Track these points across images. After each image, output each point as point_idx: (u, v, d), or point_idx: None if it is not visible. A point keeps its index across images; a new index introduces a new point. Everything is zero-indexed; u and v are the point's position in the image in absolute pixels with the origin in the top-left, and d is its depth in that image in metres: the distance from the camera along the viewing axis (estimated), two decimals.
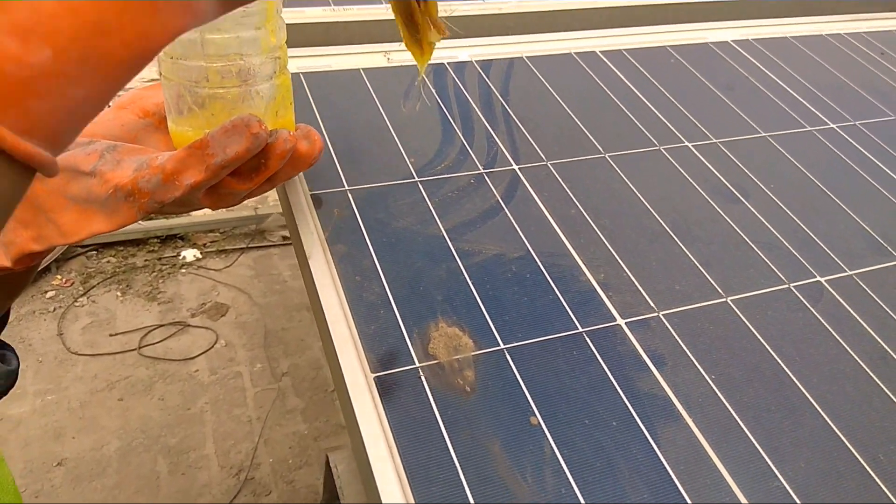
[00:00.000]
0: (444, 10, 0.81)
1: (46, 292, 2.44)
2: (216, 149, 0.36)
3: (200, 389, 2.03)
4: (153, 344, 2.12)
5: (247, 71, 0.38)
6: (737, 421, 0.47)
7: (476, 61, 0.79)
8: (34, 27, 0.17)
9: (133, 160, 0.38)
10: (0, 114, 0.17)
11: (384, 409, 0.44)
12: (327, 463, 0.54)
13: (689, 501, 0.42)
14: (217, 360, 2.11)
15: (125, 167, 0.38)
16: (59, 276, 2.50)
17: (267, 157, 0.39)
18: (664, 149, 0.70)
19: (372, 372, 0.46)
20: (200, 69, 0.36)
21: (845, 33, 0.98)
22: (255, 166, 0.39)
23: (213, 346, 2.13)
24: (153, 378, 2.02)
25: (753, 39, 0.92)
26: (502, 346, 0.49)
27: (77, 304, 2.40)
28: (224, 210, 2.85)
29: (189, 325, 2.19)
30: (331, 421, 1.96)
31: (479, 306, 0.52)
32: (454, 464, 0.42)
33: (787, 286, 0.58)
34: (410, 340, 0.48)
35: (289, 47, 0.73)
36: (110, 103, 0.33)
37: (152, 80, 0.42)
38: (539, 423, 0.45)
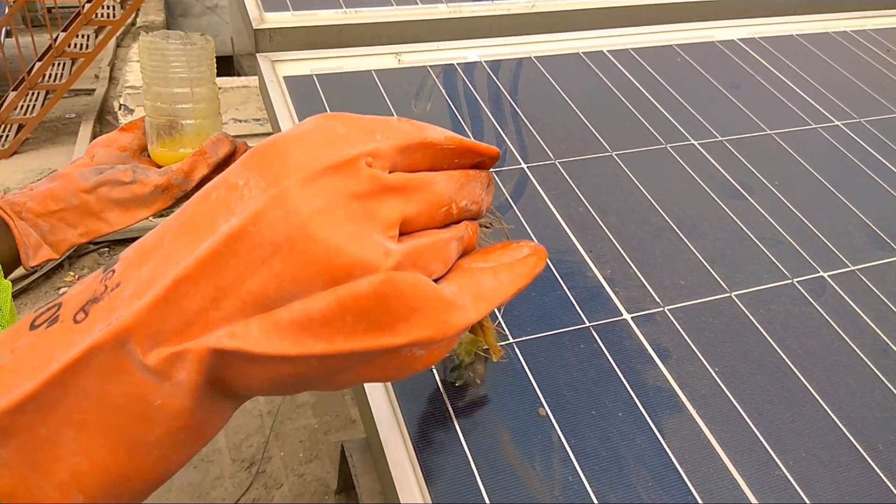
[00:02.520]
0: (451, 11, 0.83)
1: (59, 288, 2.48)
2: (211, 153, 0.56)
3: None
4: None
5: (209, 109, 0.60)
6: (740, 412, 0.48)
7: (485, 61, 0.81)
8: (70, 482, 0.21)
9: (153, 171, 0.56)
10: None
11: (398, 400, 0.46)
12: (342, 452, 0.56)
13: (692, 489, 0.43)
14: None
15: (152, 175, 0.56)
16: (71, 273, 2.53)
17: (235, 155, 0.58)
18: (670, 147, 0.72)
19: None
20: (190, 109, 0.58)
21: (851, 31, 0.98)
22: (227, 163, 0.57)
23: None
24: None
25: (760, 38, 0.93)
26: (511, 339, 0.51)
27: None
28: None
29: None
30: (340, 415, 1.99)
31: None
32: (465, 452, 0.44)
33: (790, 281, 0.59)
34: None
35: (302, 49, 0.75)
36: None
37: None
38: (547, 413, 0.46)
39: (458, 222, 0.27)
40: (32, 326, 0.23)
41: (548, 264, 0.57)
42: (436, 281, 0.25)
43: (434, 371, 0.48)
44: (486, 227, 0.34)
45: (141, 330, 0.21)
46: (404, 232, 0.25)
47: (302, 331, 0.22)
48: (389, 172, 0.25)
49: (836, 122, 0.79)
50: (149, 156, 0.61)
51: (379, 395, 0.46)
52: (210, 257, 0.22)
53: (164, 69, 0.58)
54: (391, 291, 0.23)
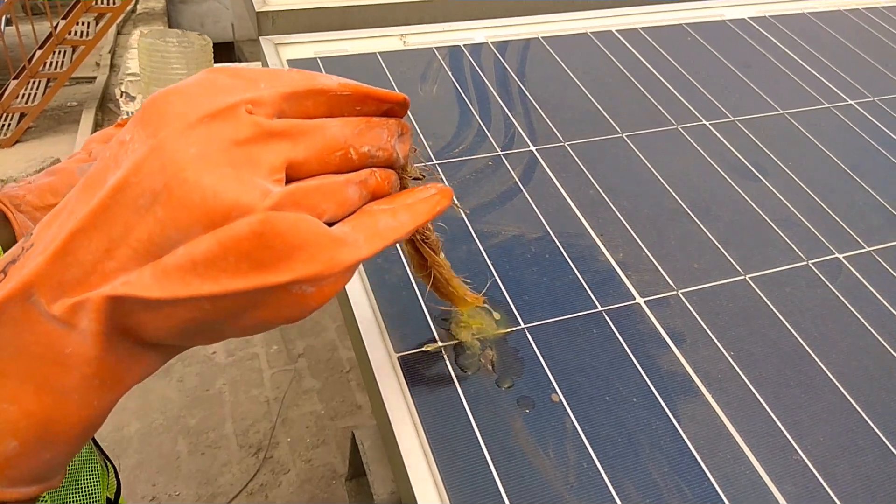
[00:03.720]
0: None
1: None
2: None
3: (218, 371, 2.05)
4: None
5: None
6: (756, 396, 0.48)
7: (492, 42, 0.79)
8: (3, 429, 0.23)
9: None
10: None
11: (408, 387, 0.45)
12: (353, 440, 0.55)
13: (709, 475, 0.43)
14: (234, 342, 2.13)
15: None
16: None
17: None
18: (682, 128, 0.70)
19: (396, 352, 0.47)
20: None
21: (863, 8, 0.97)
22: None
23: None
24: (171, 360, 2.05)
25: (770, 16, 0.91)
26: (523, 325, 0.50)
27: None
28: None
29: None
30: (347, 401, 1.99)
31: (500, 286, 0.52)
32: (478, 439, 0.43)
33: (805, 263, 0.58)
34: (433, 321, 0.49)
35: (305, 32, 0.74)
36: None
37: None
38: (560, 399, 0.46)
39: (362, 169, 0.28)
40: None
41: (558, 248, 0.56)
42: (332, 224, 0.26)
43: (445, 357, 0.47)
44: (418, 179, 0.34)
45: (43, 282, 0.23)
46: (296, 177, 0.25)
47: (187, 273, 0.23)
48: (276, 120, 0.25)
49: (850, 102, 0.78)
50: None
51: (390, 383, 0.45)
52: (99, 209, 0.23)
53: (163, 70, 0.59)
54: (268, 230, 0.23)
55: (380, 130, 0.28)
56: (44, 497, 0.40)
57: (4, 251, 0.52)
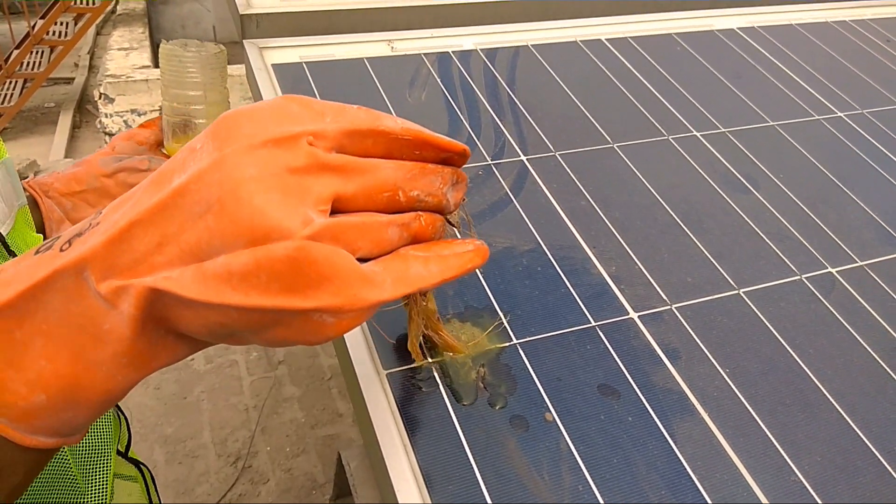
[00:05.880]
0: None
1: None
2: None
3: (196, 378, 2.02)
4: None
5: (220, 110, 0.63)
6: (752, 415, 0.47)
7: (481, 50, 0.78)
8: (35, 380, 0.25)
9: (167, 160, 0.59)
10: (15, 423, 0.26)
11: (397, 406, 0.44)
12: (339, 461, 0.54)
13: (706, 497, 0.42)
14: (212, 349, 2.10)
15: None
16: None
17: None
18: (673, 138, 0.70)
19: (384, 369, 0.45)
20: (203, 110, 0.63)
21: (850, 20, 0.97)
22: None
23: None
24: None
25: (759, 27, 0.91)
26: (515, 340, 0.49)
27: None
28: None
29: None
30: (328, 409, 1.96)
31: (491, 300, 0.51)
32: (470, 461, 0.41)
33: (798, 277, 0.57)
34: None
35: (291, 36, 0.73)
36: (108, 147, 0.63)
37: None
38: (554, 419, 0.44)
39: (409, 212, 0.29)
40: (36, 252, 0.26)
41: (550, 261, 0.55)
42: (365, 260, 0.27)
43: (435, 375, 0.46)
44: (452, 225, 0.34)
45: (96, 261, 0.25)
46: (343, 210, 0.26)
47: (222, 282, 0.25)
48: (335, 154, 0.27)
49: (839, 114, 0.78)
50: (164, 150, 0.66)
51: (378, 401, 0.43)
52: (158, 207, 0.25)
53: (181, 74, 0.63)
54: (302, 257, 0.24)
55: (434, 178, 0.29)
56: None
57: (35, 231, 0.57)
